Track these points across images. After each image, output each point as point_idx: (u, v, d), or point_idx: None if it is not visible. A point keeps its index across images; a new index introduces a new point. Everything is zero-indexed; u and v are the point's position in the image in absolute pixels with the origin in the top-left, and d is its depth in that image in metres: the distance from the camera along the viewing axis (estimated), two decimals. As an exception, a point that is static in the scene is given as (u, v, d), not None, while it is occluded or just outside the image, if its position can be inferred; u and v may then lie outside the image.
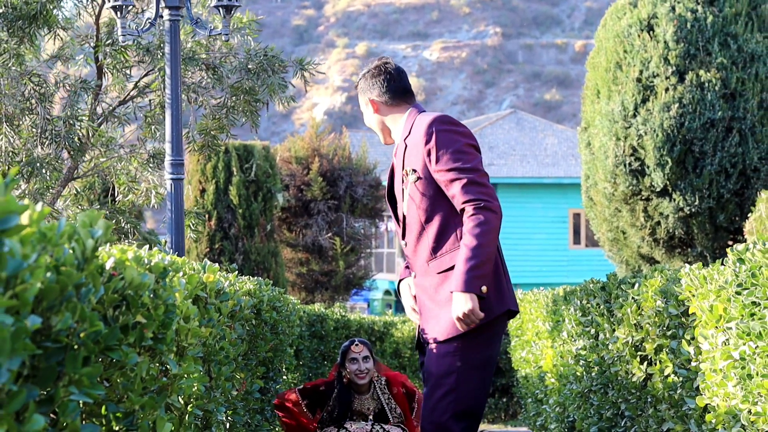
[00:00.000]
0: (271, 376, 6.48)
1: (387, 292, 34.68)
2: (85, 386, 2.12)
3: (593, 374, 5.66)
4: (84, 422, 2.46)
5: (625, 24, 14.49)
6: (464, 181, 4.08)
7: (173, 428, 3.10)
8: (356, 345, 6.10)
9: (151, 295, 2.65)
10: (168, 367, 2.95)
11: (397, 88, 4.40)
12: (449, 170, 4.13)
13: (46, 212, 1.88)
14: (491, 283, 4.13)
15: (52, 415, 2.08)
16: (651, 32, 14.30)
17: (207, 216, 18.97)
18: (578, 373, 6.13)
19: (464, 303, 3.98)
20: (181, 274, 3.28)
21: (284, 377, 7.48)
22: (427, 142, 4.18)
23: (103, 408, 2.49)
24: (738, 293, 3.46)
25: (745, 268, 3.43)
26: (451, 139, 4.15)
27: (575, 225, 31.99)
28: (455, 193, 4.12)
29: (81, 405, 2.38)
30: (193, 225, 9.44)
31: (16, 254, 1.73)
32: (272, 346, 6.19)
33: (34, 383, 1.96)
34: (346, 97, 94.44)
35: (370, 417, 6.11)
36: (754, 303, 3.33)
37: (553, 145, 33.80)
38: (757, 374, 3.23)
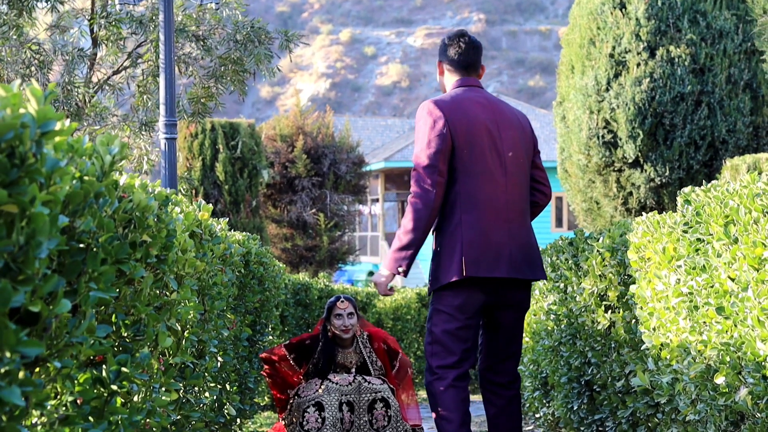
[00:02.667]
0: (258, 329, 6.76)
1: (371, 273, 34.89)
2: (101, 288, 2.43)
3: (562, 326, 5.86)
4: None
5: (599, 2, 14.71)
6: (413, 172, 4.61)
7: (173, 345, 3.41)
8: (342, 301, 6.25)
9: (155, 219, 2.96)
10: (168, 291, 3.26)
11: (459, 61, 4.82)
12: (414, 159, 4.65)
13: (74, 127, 2.19)
14: (443, 255, 4.63)
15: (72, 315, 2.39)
16: (623, 9, 14.53)
17: (194, 192, 19.09)
18: (549, 328, 6.33)
19: (379, 274, 4.73)
20: (178, 210, 3.59)
21: (270, 337, 7.74)
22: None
23: (114, 316, 2.80)
24: (685, 232, 3.68)
25: (691, 209, 3.66)
26: (422, 127, 4.63)
27: (558, 209, 32.13)
28: None
29: (95, 313, 2.68)
30: (184, 190, 9.74)
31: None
32: (259, 300, 6.47)
33: (61, 276, 2.27)
34: (330, 84, 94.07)
35: (353, 369, 6.33)
36: (698, 239, 3.55)
37: (536, 130, 33.95)
38: (703, 305, 3.44)
